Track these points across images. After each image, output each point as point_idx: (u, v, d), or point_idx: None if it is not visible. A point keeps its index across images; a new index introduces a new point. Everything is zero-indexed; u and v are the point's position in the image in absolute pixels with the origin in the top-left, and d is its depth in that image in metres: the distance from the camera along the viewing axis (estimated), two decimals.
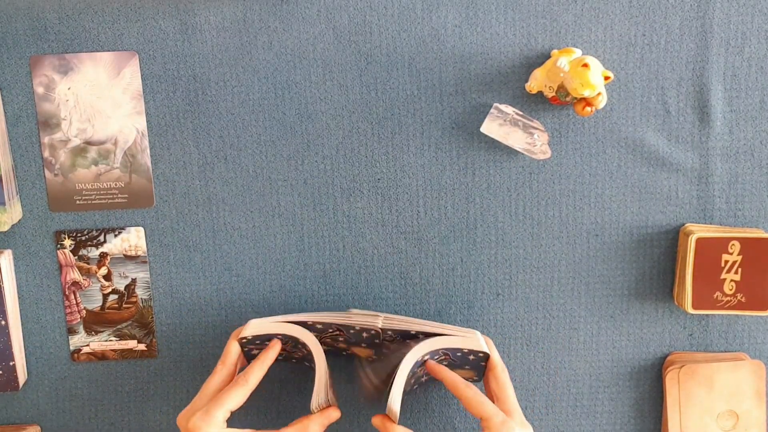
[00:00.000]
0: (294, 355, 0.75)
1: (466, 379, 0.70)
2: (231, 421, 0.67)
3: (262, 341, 0.71)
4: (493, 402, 0.68)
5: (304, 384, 0.80)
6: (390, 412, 0.67)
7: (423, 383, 0.78)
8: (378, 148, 0.76)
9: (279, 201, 0.77)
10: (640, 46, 0.75)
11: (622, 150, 0.76)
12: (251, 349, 0.72)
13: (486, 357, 0.71)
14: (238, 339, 0.71)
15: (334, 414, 0.70)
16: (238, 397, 0.67)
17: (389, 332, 0.71)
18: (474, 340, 0.70)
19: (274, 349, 0.71)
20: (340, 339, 0.74)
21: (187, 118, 0.75)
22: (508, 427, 0.65)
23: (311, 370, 0.71)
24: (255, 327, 0.70)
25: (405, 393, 0.69)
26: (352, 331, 0.72)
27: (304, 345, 0.70)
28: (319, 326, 0.71)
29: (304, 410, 0.70)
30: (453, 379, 0.69)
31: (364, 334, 0.72)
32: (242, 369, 0.71)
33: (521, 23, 0.74)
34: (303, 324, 0.71)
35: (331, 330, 0.72)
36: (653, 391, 0.80)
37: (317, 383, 0.68)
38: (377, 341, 0.73)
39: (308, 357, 0.72)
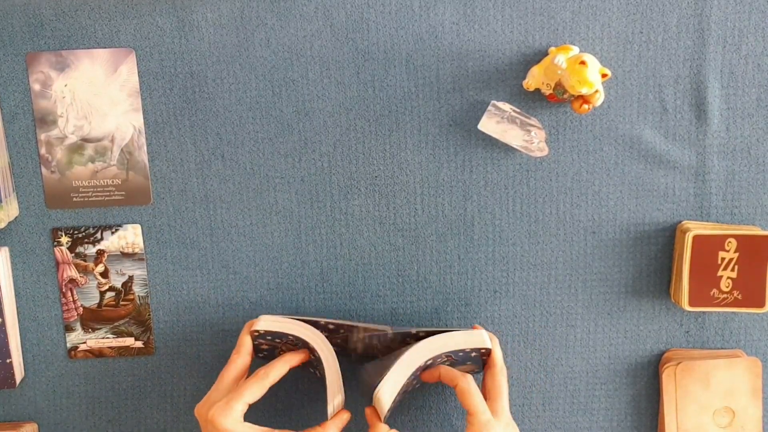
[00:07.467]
0: (309, 367, 0.75)
1: (467, 372, 0.70)
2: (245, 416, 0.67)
3: (273, 337, 0.71)
4: (486, 399, 0.68)
5: (310, 385, 0.80)
6: (377, 403, 0.67)
7: (416, 389, 0.78)
8: (375, 145, 0.76)
9: (276, 198, 0.77)
10: (638, 43, 0.75)
11: (619, 147, 0.76)
12: (261, 343, 0.73)
13: (488, 352, 0.71)
14: (250, 332, 0.71)
15: (346, 416, 0.70)
16: (256, 390, 0.67)
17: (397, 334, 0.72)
18: (478, 338, 0.70)
19: (300, 355, 0.71)
20: (349, 340, 0.74)
21: (184, 115, 0.75)
22: (491, 426, 0.65)
23: (315, 376, 0.70)
24: (267, 322, 0.70)
25: (397, 401, 0.69)
26: (361, 336, 0.72)
27: (313, 350, 0.70)
28: (330, 326, 0.71)
29: (313, 410, 0.69)
30: (448, 371, 0.69)
31: (374, 341, 0.72)
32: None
33: (519, 20, 0.74)
34: (314, 324, 0.71)
35: (342, 330, 0.72)
36: (650, 388, 0.81)
37: (330, 386, 0.68)
38: (382, 342, 0.73)
39: (313, 363, 0.72)
